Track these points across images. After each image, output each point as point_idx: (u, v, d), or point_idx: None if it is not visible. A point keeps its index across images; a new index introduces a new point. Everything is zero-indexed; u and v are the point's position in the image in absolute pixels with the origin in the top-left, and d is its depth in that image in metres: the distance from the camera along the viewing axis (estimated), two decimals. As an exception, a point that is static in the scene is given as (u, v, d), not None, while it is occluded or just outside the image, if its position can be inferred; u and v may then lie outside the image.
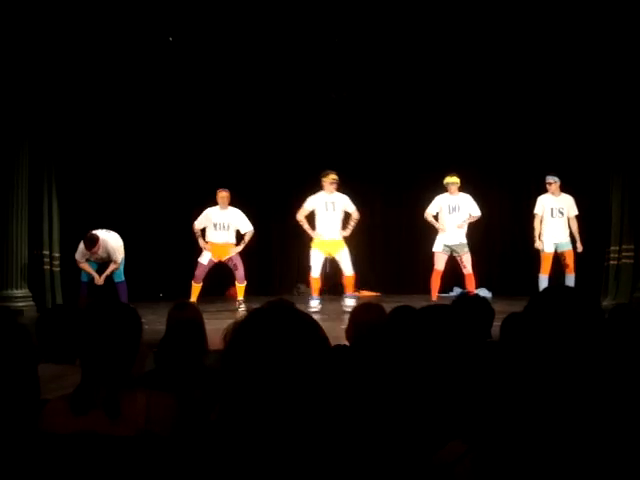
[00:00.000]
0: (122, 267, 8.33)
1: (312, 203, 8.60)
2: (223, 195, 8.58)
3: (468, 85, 9.62)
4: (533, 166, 9.90)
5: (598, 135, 9.00)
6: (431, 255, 8.99)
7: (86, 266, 8.21)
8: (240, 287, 8.65)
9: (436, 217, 8.91)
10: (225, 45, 9.15)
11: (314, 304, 8.53)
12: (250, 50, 9.25)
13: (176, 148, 10.22)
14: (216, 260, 8.57)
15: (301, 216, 8.62)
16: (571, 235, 8.64)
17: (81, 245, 8.09)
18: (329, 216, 8.53)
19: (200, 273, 8.54)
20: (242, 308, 8.36)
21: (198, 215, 8.68)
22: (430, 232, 9.21)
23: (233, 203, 8.93)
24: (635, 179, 8.38)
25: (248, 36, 9.01)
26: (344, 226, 8.63)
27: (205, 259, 8.54)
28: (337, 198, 8.60)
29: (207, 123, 10.29)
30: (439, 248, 8.86)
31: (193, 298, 8.36)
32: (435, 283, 8.86)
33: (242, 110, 10.17)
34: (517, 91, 9.56)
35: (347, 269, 8.64)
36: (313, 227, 8.60)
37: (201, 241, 8.55)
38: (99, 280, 8.19)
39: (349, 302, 8.35)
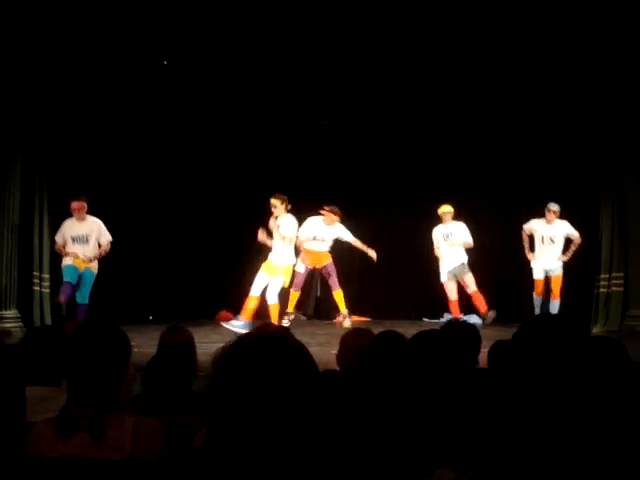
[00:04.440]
0: (89, 289, 8.29)
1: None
2: (336, 215, 8.83)
3: (459, 112, 9.67)
4: (524, 194, 9.95)
5: (587, 163, 9.06)
6: (430, 283, 9.09)
7: (62, 248, 8.19)
8: (338, 293, 8.87)
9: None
10: (219, 64, 9.21)
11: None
12: (245, 74, 9.30)
13: (166, 170, 10.20)
14: (311, 267, 8.93)
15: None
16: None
17: (63, 224, 8.23)
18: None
19: (299, 281, 8.81)
20: (347, 323, 8.54)
21: (187, 239, 8.77)
22: (419, 258, 9.29)
23: (222, 223, 9.01)
24: (624, 207, 8.42)
25: (243, 60, 9.07)
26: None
27: (301, 267, 8.78)
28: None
29: (197, 142, 10.29)
30: (445, 277, 8.91)
31: (291, 307, 8.69)
32: (455, 313, 8.84)
33: (232, 131, 10.19)
34: (509, 118, 9.62)
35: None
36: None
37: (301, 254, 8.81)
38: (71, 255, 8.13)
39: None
